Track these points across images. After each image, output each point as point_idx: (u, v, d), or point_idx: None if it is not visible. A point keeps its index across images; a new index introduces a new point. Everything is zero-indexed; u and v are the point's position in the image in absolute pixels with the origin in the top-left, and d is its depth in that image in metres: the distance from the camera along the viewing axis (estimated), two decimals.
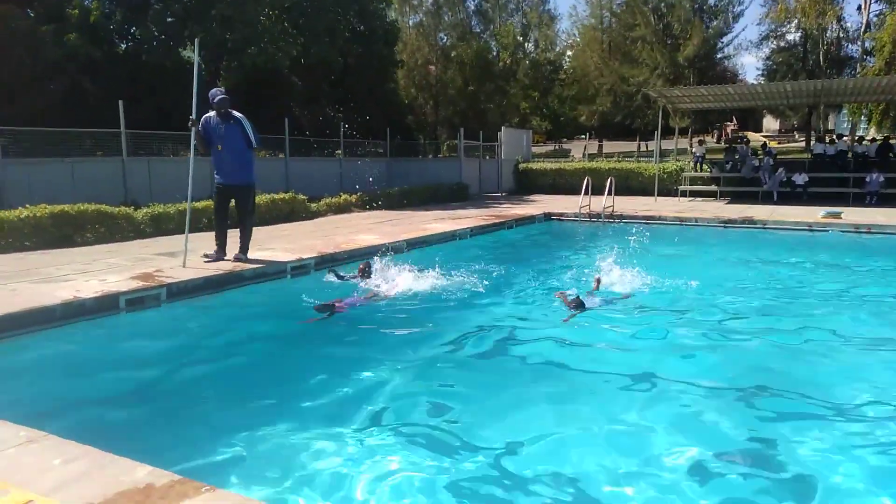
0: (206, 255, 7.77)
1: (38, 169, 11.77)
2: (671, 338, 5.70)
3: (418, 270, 7.61)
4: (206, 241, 8.30)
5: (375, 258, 7.89)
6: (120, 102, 12.59)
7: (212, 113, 7.65)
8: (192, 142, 7.60)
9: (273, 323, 6.31)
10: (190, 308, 6.44)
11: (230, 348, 5.37)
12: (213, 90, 7.73)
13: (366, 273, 7.55)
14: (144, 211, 10.68)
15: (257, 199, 12.64)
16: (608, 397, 4.35)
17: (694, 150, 22.59)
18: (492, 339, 5.68)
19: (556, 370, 4.89)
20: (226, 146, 7.61)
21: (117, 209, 10.29)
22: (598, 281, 7.42)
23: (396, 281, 7.23)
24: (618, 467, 3.34)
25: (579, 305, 6.18)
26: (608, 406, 4.15)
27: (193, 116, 7.45)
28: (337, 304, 6.21)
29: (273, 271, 7.75)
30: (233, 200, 7.93)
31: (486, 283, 7.62)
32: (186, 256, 7.42)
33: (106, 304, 5.87)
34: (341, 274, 7.65)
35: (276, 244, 9.49)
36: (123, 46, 20.86)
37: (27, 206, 9.29)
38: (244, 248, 7.90)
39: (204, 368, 4.83)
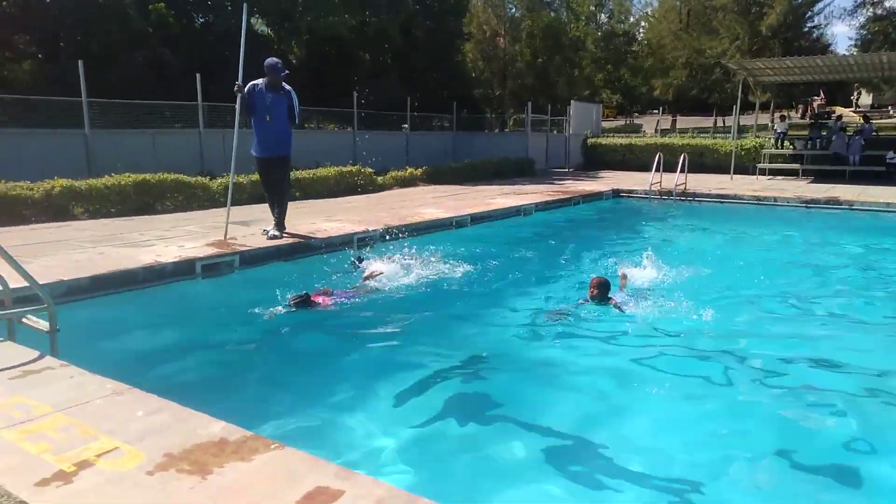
0: (265, 231, 7.62)
1: (122, 139, 12.37)
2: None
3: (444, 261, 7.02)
4: (266, 214, 8.30)
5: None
6: (197, 76, 13.02)
7: (260, 81, 7.38)
8: (237, 109, 7.40)
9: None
10: (261, 275, 6.66)
11: (295, 315, 5.52)
12: (272, 59, 7.48)
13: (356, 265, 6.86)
14: (219, 181, 11.07)
15: (326, 171, 12.97)
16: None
17: (776, 125, 21.43)
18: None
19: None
20: (272, 117, 7.39)
21: (194, 179, 10.71)
22: (625, 277, 6.31)
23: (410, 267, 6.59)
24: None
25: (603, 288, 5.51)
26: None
27: (239, 82, 7.20)
28: (322, 299, 5.56)
29: (340, 241, 7.90)
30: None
31: (536, 264, 7.42)
32: (227, 231, 7.35)
33: (183, 269, 6.15)
34: (362, 258, 7.02)
35: (343, 215, 9.66)
36: (201, 20, 21.54)
37: (112, 174, 9.79)
38: (279, 223, 7.68)
39: (271, 333, 4.99)
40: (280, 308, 5.26)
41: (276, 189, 7.73)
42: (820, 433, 3.58)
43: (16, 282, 3.82)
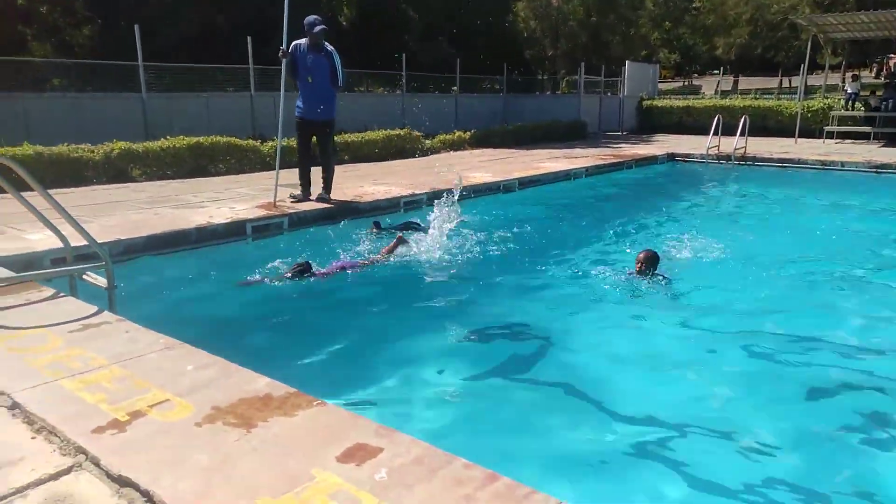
0: (291, 196, 7.52)
1: (176, 103, 12.64)
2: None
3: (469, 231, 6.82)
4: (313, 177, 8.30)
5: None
6: (248, 38, 13.12)
7: (302, 41, 7.22)
8: (283, 74, 7.29)
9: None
10: (309, 236, 6.76)
11: (340, 279, 5.59)
12: (312, 17, 7.23)
13: (411, 227, 6.81)
14: (270, 144, 11.22)
15: (375, 134, 12.97)
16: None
17: (846, 86, 20.20)
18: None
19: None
20: (314, 78, 7.22)
21: (246, 142, 10.89)
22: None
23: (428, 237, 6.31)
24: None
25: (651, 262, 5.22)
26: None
27: (284, 47, 7.08)
28: (326, 270, 5.40)
29: (387, 205, 7.93)
30: (314, 137, 7.61)
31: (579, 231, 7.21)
32: (276, 194, 7.33)
33: (234, 230, 6.30)
34: (382, 226, 6.87)
35: (390, 179, 9.68)
36: None
37: (168, 137, 10.04)
38: (328, 187, 7.62)
39: (316, 294, 5.07)
40: (276, 279, 5.14)
41: (322, 153, 7.63)
42: None
43: (77, 240, 3.98)
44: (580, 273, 5.76)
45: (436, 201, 6.75)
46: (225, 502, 1.80)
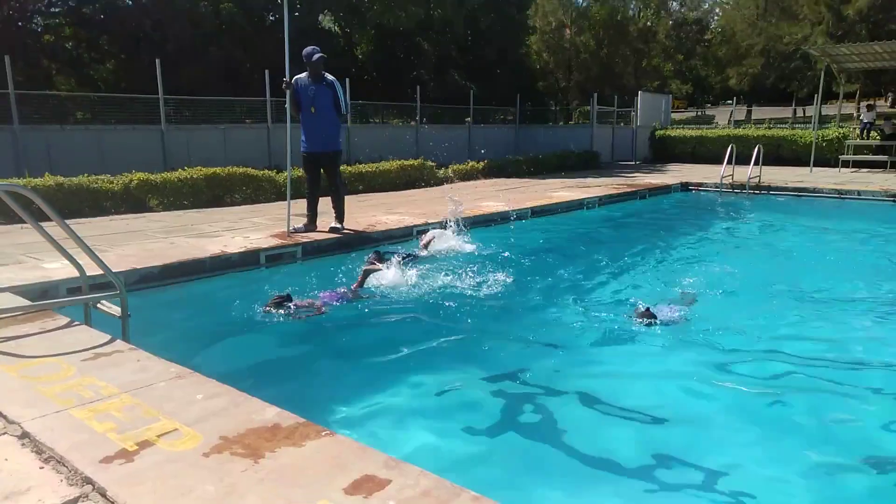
0: (294, 229, 7.33)
1: (195, 135, 12.90)
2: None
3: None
4: (324, 208, 8.33)
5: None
6: (266, 72, 13.40)
7: (303, 74, 7.20)
8: (287, 105, 7.22)
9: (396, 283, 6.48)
10: (322, 265, 6.78)
11: (352, 306, 5.59)
12: (309, 48, 7.14)
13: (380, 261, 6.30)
14: (285, 174, 11.34)
15: (389, 164, 13.09)
16: None
17: (861, 115, 20.13)
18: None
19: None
20: (317, 109, 7.17)
21: (261, 172, 11.04)
22: (693, 300, 5.65)
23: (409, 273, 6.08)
24: None
25: (648, 316, 4.95)
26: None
27: (287, 78, 7.01)
28: (314, 304, 5.21)
29: (400, 234, 7.96)
30: (321, 170, 7.55)
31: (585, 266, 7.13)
32: (290, 223, 7.29)
33: (249, 259, 6.35)
34: (385, 258, 6.43)
35: (403, 208, 9.73)
36: (271, 18, 22.17)
37: (185, 168, 10.21)
38: (340, 216, 7.62)
39: (325, 324, 5.06)
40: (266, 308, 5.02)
41: (330, 184, 7.61)
42: None
43: (93, 269, 4.02)
44: (585, 307, 5.66)
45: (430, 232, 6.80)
46: None
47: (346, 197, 7.99)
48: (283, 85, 7.08)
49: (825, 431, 3.47)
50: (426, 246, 7.27)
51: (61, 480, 2.10)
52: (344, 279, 5.98)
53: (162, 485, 2.03)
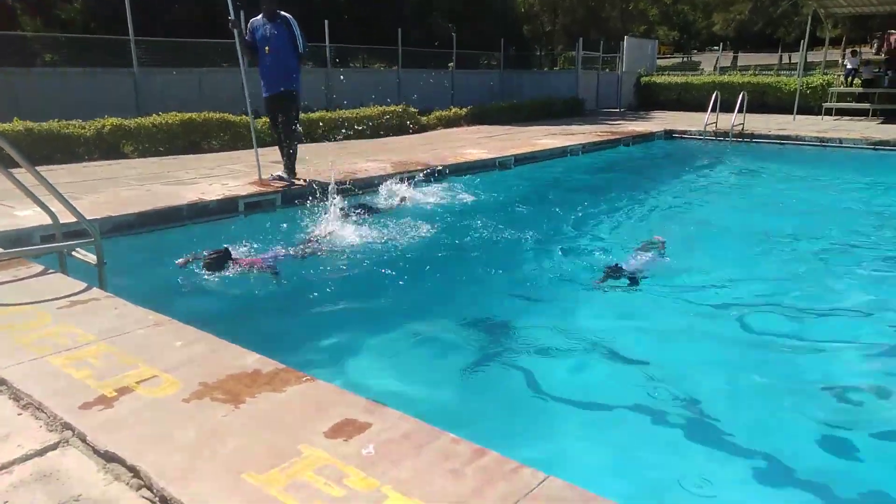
0: (273, 176, 7.18)
1: (170, 79, 12.46)
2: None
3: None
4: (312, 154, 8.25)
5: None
6: (241, 13, 12.90)
7: (258, 16, 6.93)
8: (238, 47, 6.99)
9: (377, 231, 6.43)
10: (302, 213, 6.69)
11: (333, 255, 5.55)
12: None
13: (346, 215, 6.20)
14: (263, 120, 11.06)
15: (370, 110, 12.82)
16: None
17: (846, 61, 20.01)
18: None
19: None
20: (271, 49, 6.79)
21: (239, 118, 10.77)
22: (663, 244, 5.68)
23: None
24: None
25: (618, 273, 4.84)
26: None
27: (231, 17, 6.71)
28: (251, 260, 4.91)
29: (379, 183, 7.86)
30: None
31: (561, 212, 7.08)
32: (261, 172, 7.06)
33: (227, 207, 6.26)
34: (368, 206, 6.44)
35: (384, 156, 9.60)
36: None
37: (160, 113, 9.93)
38: (288, 166, 7.15)
39: (305, 271, 5.04)
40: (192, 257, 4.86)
41: (283, 128, 7.10)
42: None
43: (66, 217, 3.93)
44: (559, 256, 5.67)
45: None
46: (211, 477, 1.80)
47: (324, 143, 7.77)
48: (230, 24, 6.77)
49: (792, 371, 3.57)
50: (402, 200, 7.15)
51: (40, 426, 2.10)
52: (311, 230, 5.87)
53: (142, 430, 2.03)
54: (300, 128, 7.34)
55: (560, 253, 5.72)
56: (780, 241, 6.04)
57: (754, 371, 3.54)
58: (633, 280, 4.82)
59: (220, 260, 4.74)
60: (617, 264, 4.90)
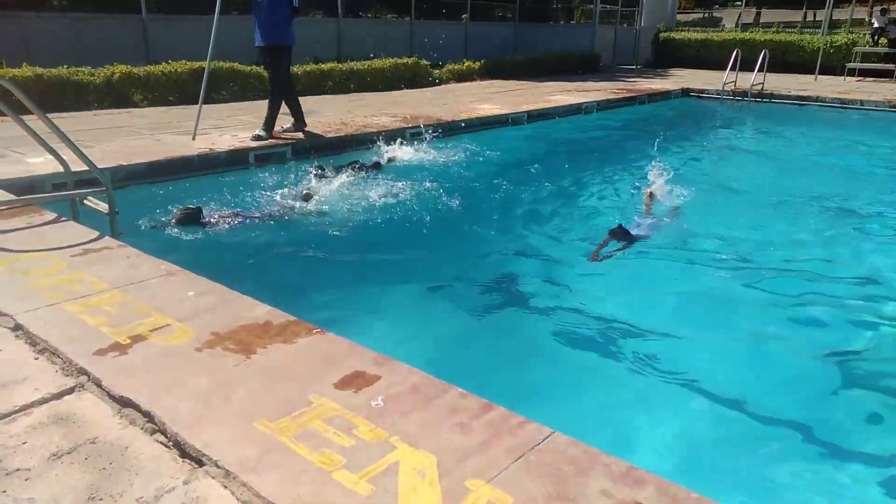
0: (283, 128, 7.06)
1: (178, 25, 12.24)
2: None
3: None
4: (318, 104, 8.16)
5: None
6: None
7: None
8: None
9: (386, 186, 6.40)
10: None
11: (342, 208, 5.54)
12: None
13: (361, 168, 6.20)
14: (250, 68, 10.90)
15: (381, 62, 12.59)
16: None
17: (873, 19, 19.35)
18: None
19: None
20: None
21: (249, 68, 10.62)
22: (650, 196, 5.57)
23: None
24: None
25: (622, 235, 4.67)
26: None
27: None
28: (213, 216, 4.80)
29: (390, 137, 7.78)
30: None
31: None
32: (197, 128, 6.62)
33: (237, 159, 6.24)
34: (325, 171, 6.05)
35: (396, 109, 9.48)
36: None
37: (169, 61, 9.80)
38: (267, 123, 6.84)
39: (319, 226, 5.05)
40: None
41: (270, 81, 6.92)
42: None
43: (77, 165, 3.93)
44: (563, 219, 5.60)
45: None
46: (223, 423, 1.84)
47: (334, 96, 7.57)
48: None
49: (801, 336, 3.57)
50: (390, 160, 6.88)
51: (56, 371, 2.14)
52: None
53: (156, 377, 2.08)
54: (288, 85, 6.99)
55: (569, 213, 5.70)
56: (798, 205, 5.97)
57: (767, 332, 3.56)
58: (630, 241, 4.63)
59: (189, 217, 4.65)
60: (620, 226, 4.75)
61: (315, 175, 5.77)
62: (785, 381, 3.11)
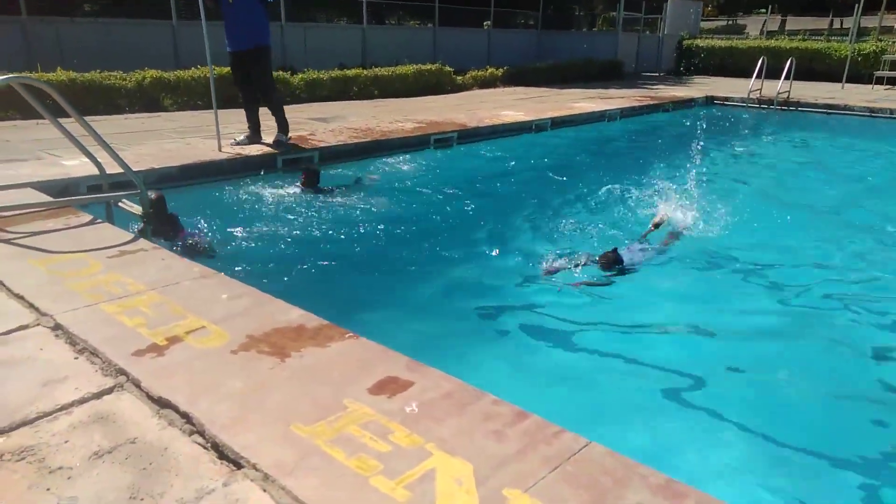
0: (236, 141, 6.55)
1: (208, 31, 12.43)
2: None
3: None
4: (336, 109, 8.28)
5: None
6: None
7: None
8: None
9: (413, 191, 6.45)
10: (339, 170, 6.72)
11: (370, 213, 5.59)
12: None
13: (311, 181, 5.73)
14: (300, 76, 11.06)
15: (405, 69, 12.65)
16: None
17: None
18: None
19: None
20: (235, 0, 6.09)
21: (276, 73, 10.73)
22: (656, 226, 5.06)
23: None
24: None
25: (613, 263, 4.19)
26: None
27: None
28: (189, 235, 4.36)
29: (416, 142, 7.83)
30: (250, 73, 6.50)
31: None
32: (220, 137, 6.27)
33: (266, 162, 6.31)
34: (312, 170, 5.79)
35: (420, 115, 9.52)
36: None
37: (198, 66, 9.95)
38: (281, 127, 6.67)
39: (343, 226, 5.08)
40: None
41: (259, 90, 6.59)
42: None
43: (111, 168, 4.01)
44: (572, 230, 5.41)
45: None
46: (260, 426, 1.86)
47: (358, 101, 7.48)
48: None
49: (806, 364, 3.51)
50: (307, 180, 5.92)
51: (96, 371, 2.18)
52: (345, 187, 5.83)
53: (193, 378, 2.10)
54: (277, 87, 6.61)
55: (593, 221, 5.65)
56: (822, 219, 5.88)
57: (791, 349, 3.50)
58: (621, 271, 4.17)
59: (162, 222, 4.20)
60: (615, 249, 4.25)
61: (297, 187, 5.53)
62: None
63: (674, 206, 5.33)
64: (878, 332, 3.72)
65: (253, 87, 6.56)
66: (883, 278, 4.50)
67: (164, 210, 4.17)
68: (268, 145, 6.66)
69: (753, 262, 4.72)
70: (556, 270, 4.23)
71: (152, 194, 4.05)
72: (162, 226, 4.06)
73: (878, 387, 3.16)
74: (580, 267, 4.20)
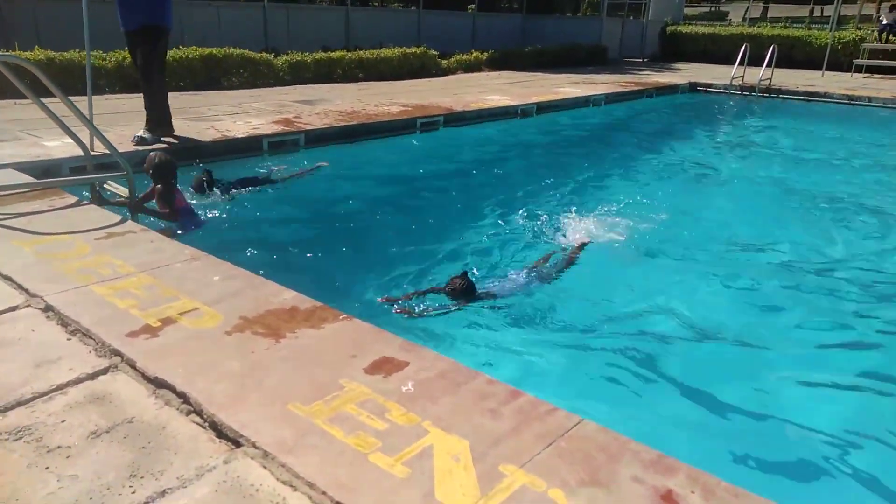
0: (136, 138, 5.61)
1: (188, 11, 12.21)
2: None
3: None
4: (328, 93, 8.17)
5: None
6: None
7: None
8: None
9: (395, 174, 6.45)
10: (326, 154, 6.68)
11: (352, 196, 5.58)
12: None
13: (203, 187, 4.96)
14: (283, 58, 10.93)
15: (390, 52, 12.53)
16: None
17: (881, 16, 19.26)
18: None
19: None
20: None
21: (259, 55, 10.61)
22: (579, 249, 4.42)
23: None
24: None
25: (464, 291, 3.52)
26: None
27: None
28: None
29: (401, 125, 7.80)
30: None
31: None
32: (92, 138, 4.57)
33: (252, 145, 6.26)
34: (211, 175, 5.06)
35: (404, 99, 9.47)
36: None
37: (180, 47, 9.79)
38: (152, 121, 5.69)
39: (328, 208, 5.08)
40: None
41: (140, 75, 5.71)
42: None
43: (96, 149, 3.96)
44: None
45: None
46: (258, 405, 1.87)
47: (343, 84, 7.24)
48: None
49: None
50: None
51: (90, 351, 2.18)
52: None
53: (188, 359, 2.11)
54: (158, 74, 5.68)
55: (581, 208, 5.70)
56: (808, 203, 5.99)
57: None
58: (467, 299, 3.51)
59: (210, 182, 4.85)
60: (465, 273, 3.60)
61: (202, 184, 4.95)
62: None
63: (593, 222, 4.87)
64: (857, 308, 3.82)
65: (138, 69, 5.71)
66: (858, 255, 4.62)
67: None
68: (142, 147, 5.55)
69: (729, 241, 4.81)
70: (396, 300, 3.59)
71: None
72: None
73: (860, 366, 3.26)
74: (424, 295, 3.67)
